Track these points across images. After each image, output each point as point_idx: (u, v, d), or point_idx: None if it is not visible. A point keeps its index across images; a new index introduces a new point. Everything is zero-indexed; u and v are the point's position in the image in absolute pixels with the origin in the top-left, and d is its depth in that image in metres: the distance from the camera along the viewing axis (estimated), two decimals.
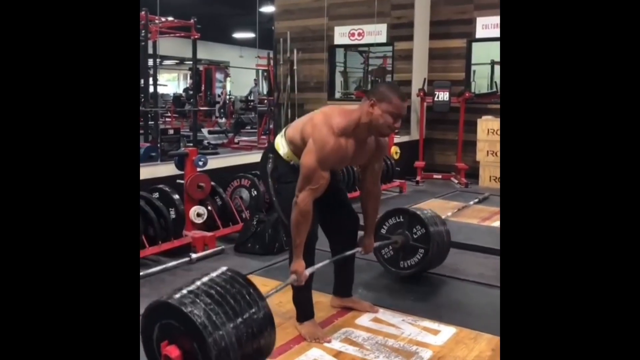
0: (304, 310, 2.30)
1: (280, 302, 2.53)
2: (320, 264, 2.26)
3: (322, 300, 2.54)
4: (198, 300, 1.65)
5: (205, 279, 1.78)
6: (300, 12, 7.45)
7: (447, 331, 2.31)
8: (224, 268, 1.86)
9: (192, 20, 7.05)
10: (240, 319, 1.67)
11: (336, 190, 2.37)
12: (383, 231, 2.85)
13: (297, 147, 2.14)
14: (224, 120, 11.51)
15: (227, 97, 13.58)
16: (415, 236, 2.78)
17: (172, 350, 1.63)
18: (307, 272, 2.13)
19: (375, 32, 7.02)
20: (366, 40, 7.22)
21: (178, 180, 3.42)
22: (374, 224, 2.50)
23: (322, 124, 2.04)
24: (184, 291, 1.70)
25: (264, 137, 8.47)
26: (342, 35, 7.31)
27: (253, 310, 1.72)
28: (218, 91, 14.13)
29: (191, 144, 6.35)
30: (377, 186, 2.39)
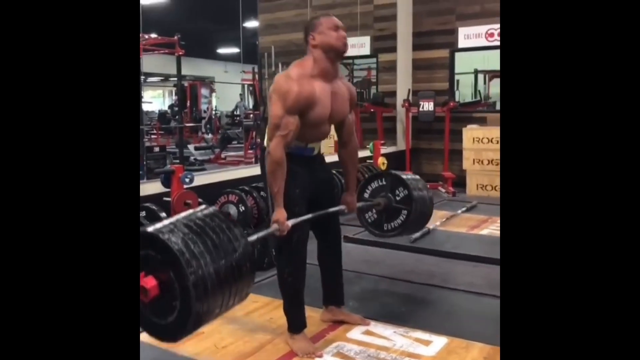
0: (296, 319, 2.28)
1: (271, 318, 2.51)
2: (302, 218, 2.18)
3: (312, 315, 2.52)
4: (176, 230, 1.57)
5: (184, 214, 1.70)
6: (284, 26, 7.50)
7: (438, 341, 2.31)
8: (203, 205, 1.80)
9: (175, 37, 7.05)
10: (220, 252, 1.59)
11: (331, 200, 2.40)
12: (366, 195, 2.82)
13: None
14: (210, 135, 11.50)
15: (213, 112, 13.58)
16: (397, 198, 2.75)
17: (148, 281, 1.53)
18: (289, 223, 2.10)
19: (359, 45, 7.08)
20: (350, 52, 7.23)
21: (165, 198, 3.39)
22: (355, 180, 2.50)
23: (280, 78, 2.10)
24: (163, 222, 1.63)
25: (250, 151, 8.46)
26: None
27: (234, 244, 1.64)
28: (204, 107, 14.14)
29: (178, 161, 6.31)
30: (353, 139, 2.39)
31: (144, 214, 3.18)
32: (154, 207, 3.25)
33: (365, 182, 2.85)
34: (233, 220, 1.73)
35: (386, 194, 2.78)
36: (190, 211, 1.73)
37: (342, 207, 2.45)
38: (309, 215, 2.24)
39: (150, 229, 1.59)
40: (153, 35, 7.48)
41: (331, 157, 6.01)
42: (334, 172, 4.97)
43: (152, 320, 1.58)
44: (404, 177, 2.78)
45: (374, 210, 2.82)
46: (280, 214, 2.08)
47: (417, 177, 2.93)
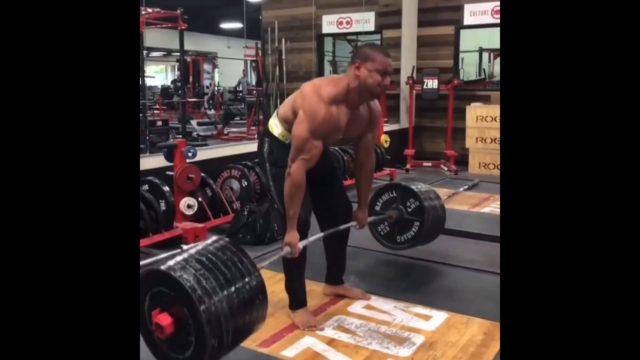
0: (296, 297, 2.31)
1: (273, 291, 2.53)
2: (313, 237, 2.25)
3: (314, 289, 2.55)
4: (188, 266, 1.61)
5: (196, 248, 1.73)
6: (288, 1, 7.39)
7: (439, 317, 2.33)
8: (215, 237, 1.82)
9: (178, 11, 6.97)
10: (231, 286, 1.62)
11: (330, 172, 2.38)
12: (377, 208, 2.84)
13: (291, 124, 2.12)
14: (212, 111, 11.44)
15: (216, 88, 13.50)
16: (409, 209, 2.77)
17: (163, 318, 1.58)
18: (301, 245, 2.12)
19: (364, 21, 7.00)
20: (354, 28, 7.19)
21: (167, 172, 3.40)
22: (368, 197, 2.49)
23: (311, 93, 2.03)
24: (175, 259, 1.66)
25: (253, 127, 8.43)
26: (330, 24, 7.28)
27: (246, 279, 1.67)
28: (206, 82, 14.04)
29: (180, 136, 6.30)
30: (370, 157, 2.39)
31: (147, 188, 3.19)
32: (156, 180, 3.26)
33: (375, 194, 2.86)
34: (244, 251, 1.75)
35: (397, 206, 2.80)
36: (202, 244, 1.76)
37: (353, 223, 2.45)
38: (321, 234, 2.30)
39: (163, 267, 1.62)
40: (156, 9, 7.39)
41: None
42: (337, 148, 4.96)
43: (170, 355, 1.63)
44: (414, 188, 2.79)
45: (385, 223, 2.82)
46: (292, 236, 2.09)
47: (428, 187, 2.95)
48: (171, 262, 1.64)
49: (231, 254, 1.71)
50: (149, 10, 7.34)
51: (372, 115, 2.25)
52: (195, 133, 8.48)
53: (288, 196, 2.05)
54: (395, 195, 2.82)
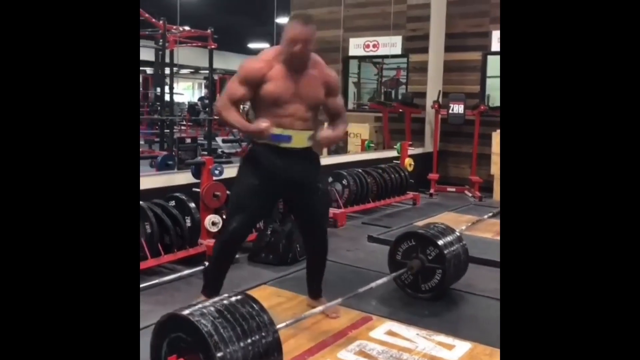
0: (211, 286, 2.45)
1: (294, 313, 2.53)
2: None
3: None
4: (207, 314, 1.65)
5: (216, 298, 1.80)
6: (316, 23, 7.49)
7: (462, 346, 2.30)
8: (236, 291, 1.88)
9: (209, 31, 7.13)
10: (248, 338, 1.65)
11: (310, 185, 2.43)
12: (398, 257, 2.87)
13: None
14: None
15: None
16: (430, 257, 2.78)
17: None
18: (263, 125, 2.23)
19: (390, 44, 7.05)
20: (381, 51, 7.24)
21: (194, 189, 3.44)
22: (335, 128, 2.47)
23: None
24: (196, 306, 1.71)
25: None
26: (357, 46, 7.35)
27: (262, 333, 1.70)
28: None
29: (206, 153, 6.38)
30: (339, 120, 2.46)
31: (174, 204, 3.23)
32: (183, 197, 3.30)
33: (395, 242, 2.89)
34: (262, 306, 1.79)
35: (417, 255, 2.80)
36: (223, 296, 1.81)
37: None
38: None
39: (182, 312, 1.67)
40: (187, 28, 7.57)
41: (359, 156, 5.99)
42: (360, 170, 4.97)
43: None
44: (432, 237, 2.80)
45: (408, 272, 2.82)
46: (254, 125, 2.27)
47: (447, 227, 2.94)
48: (190, 309, 1.68)
49: (250, 308, 1.75)
50: (181, 28, 7.54)
51: (325, 79, 2.36)
52: (220, 150, 8.59)
53: (223, 120, 2.36)
54: (414, 243, 2.83)
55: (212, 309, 1.69)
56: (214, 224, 3.35)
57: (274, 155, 2.32)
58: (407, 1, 6.88)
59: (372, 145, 6.45)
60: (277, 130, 2.27)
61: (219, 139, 9.66)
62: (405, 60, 7.18)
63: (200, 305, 1.71)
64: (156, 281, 2.92)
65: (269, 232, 3.46)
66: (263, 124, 2.23)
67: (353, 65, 8.15)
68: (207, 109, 9.36)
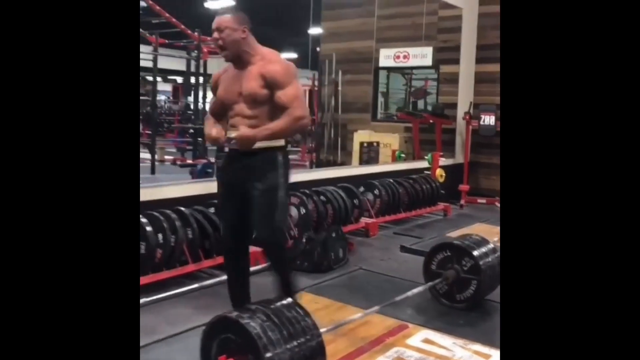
0: (231, 297, 2.45)
1: (332, 319, 2.58)
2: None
3: (372, 320, 2.59)
4: (255, 317, 1.74)
5: (265, 303, 1.87)
6: (347, 34, 7.59)
7: (498, 356, 2.31)
8: (283, 295, 1.97)
9: None
10: (294, 341, 1.73)
11: (243, 188, 2.31)
12: (433, 267, 2.90)
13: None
14: None
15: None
16: (465, 268, 2.81)
17: None
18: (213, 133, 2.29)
19: (421, 55, 7.09)
20: (411, 62, 7.29)
21: None
22: (267, 126, 2.24)
23: None
24: (245, 310, 1.80)
25: (307, 155, 8.60)
26: (387, 57, 7.41)
27: (307, 336, 1.78)
28: None
29: None
30: (287, 113, 2.23)
31: (213, 210, 3.33)
32: None
33: (430, 253, 2.93)
34: (307, 311, 1.87)
35: (453, 265, 2.84)
36: (270, 299, 1.91)
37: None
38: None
39: (231, 314, 1.77)
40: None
41: (390, 167, 5.99)
42: (391, 180, 5.00)
43: None
44: (468, 247, 2.83)
45: (444, 282, 2.86)
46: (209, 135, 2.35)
47: (481, 239, 2.97)
48: (239, 312, 1.78)
49: (295, 312, 1.83)
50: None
51: (263, 70, 2.25)
52: None
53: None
54: (449, 254, 2.86)
55: (260, 312, 1.77)
56: None
57: (228, 160, 2.41)
58: (438, 13, 6.92)
59: (403, 155, 6.49)
60: (232, 134, 2.24)
61: None
62: (432, 71, 7.21)
63: (248, 309, 1.79)
64: (196, 286, 3.01)
65: (305, 240, 3.53)
66: (213, 130, 2.30)
67: (382, 76, 8.22)
68: None
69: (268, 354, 1.64)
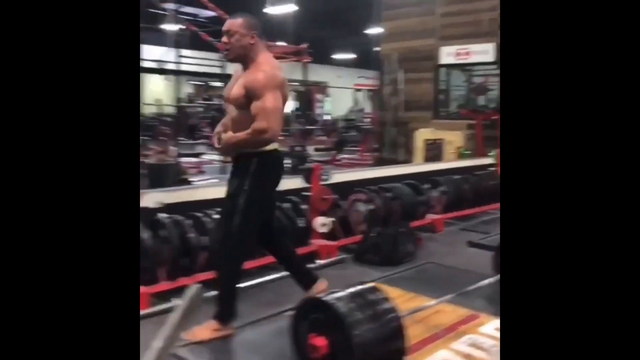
0: (228, 306, 2.37)
1: (405, 308, 2.69)
2: None
3: (444, 309, 2.68)
4: (342, 299, 1.91)
5: (349, 290, 2.03)
6: (408, 34, 7.65)
7: None
8: (363, 281, 2.13)
9: (304, 45, 7.50)
10: (377, 322, 1.89)
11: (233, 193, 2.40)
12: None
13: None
14: (325, 138, 11.95)
15: (328, 116, 14.05)
16: None
17: (319, 340, 1.88)
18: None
19: (483, 52, 7.06)
20: (472, 59, 7.26)
21: (302, 193, 3.71)
22: (238, 135, 2.31)
23: None
24: (333, 294, 1.97)
25: (367, 154, 8.70)
26: (448, 55, 7.42)
27: (388, 317, 1.94)
28: (319, 111, 14.66)
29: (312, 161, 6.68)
30: (254, 124, 2.25)
31: (290, 205, 3.52)
32: (297, 199, 3.58)
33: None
34: (386, 296, 2.03)
35: None
36: (352, 284, 2.08)
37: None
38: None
39: (322, 297, 1.96)
40: (283, 44, 7.99)
41: (455, 164, 5.95)
42: (457, 177, 5.04)
43: None
44: None
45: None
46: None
47: None
48: (329, 295, 1.95)
49: (375, 296, 2.00)
50: (277, 44, 7.98)
51: (246, 79, 2.28)
52: (310, 158, 8.92)
53: None
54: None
55: (344, 295, 1.93)
56: (323, 225, 3.59)
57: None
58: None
59: (467, 152, 6.48)
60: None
61: (309, 148, 10.04)
62: (494, 67, 7.15)
63: (336, 294, 1.96)
64: (270, 277, 3.19)
65: (375, 235, 3.66)
66: (215, 136, 2.41)
67: (441, 73, 8.21)
68: (299, 120, 9.76)
69: (356, 331, 1.79)
